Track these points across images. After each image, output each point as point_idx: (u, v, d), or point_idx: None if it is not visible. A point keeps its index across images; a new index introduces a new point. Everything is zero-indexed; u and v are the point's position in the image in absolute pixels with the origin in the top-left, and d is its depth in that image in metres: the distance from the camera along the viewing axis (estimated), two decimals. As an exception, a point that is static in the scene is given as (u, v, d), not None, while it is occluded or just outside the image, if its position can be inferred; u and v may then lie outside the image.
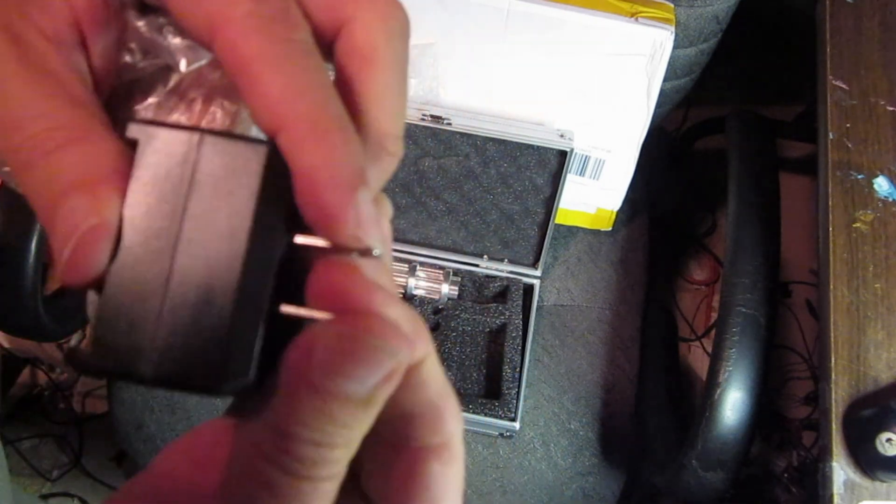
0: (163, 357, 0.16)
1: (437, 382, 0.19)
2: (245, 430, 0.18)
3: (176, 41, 0.20)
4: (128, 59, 0.20)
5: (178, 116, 0.20)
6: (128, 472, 1.26)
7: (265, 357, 0.18)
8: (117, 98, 0.20)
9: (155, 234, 0.17)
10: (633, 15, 0.70)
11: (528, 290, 0.85)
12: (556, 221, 0.83)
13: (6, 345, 1.28)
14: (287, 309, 0.18)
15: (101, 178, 0.17)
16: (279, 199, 0.17)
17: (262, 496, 0.16)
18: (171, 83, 0.20)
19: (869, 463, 0.53)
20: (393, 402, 0.18)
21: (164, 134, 0.17)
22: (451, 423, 0.19)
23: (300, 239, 0.18)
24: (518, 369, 0.79)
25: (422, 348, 0.18)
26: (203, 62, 0.20)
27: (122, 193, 0.17)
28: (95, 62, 0.19)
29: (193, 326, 0.16)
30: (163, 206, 0.17)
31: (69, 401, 1.35)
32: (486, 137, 0.76)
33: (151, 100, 0.20)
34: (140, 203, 0.17)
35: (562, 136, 0.75)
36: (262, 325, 0.18)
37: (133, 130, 0.17)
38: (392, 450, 0.19)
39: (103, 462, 1.27)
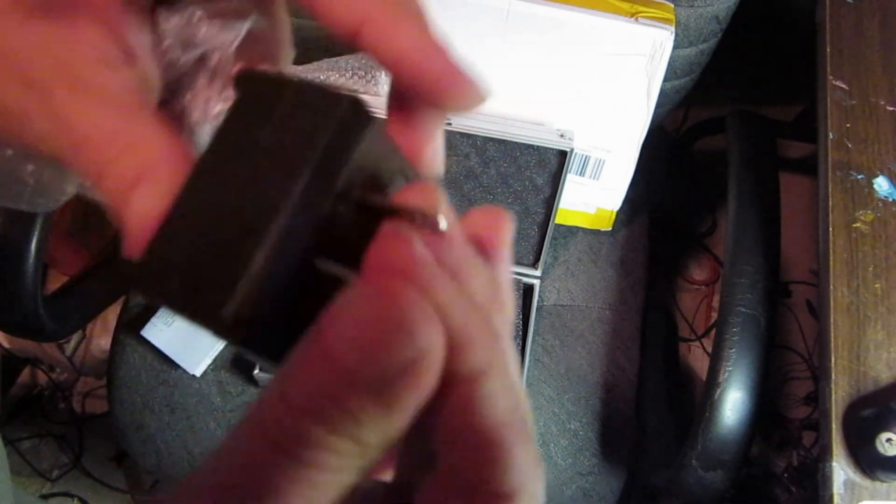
0: (184, 276, 0.16)
1: (502, 410, 0.15)
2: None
3: (207, 30, 0.21)
4: (170, 57, 0.21)
5: (217, 103, 0.21)
6: (128, 472, 1.27)
7: (294, 321, 0.16)
8: (170, 94, 0.21)
9: (221, 170, 0.17)
10: (633, 15, 0.70)
11: (528, 290, 0.85)
12: (556, 221, 0.83)
13: (6, 345, 1.28)
14: (323, 265, 0.17)
15: (151, 168, 0.18)
16: (347, 153, 0.17)
17: (249, 473, 0.14)
18: (209, 71, 0.21)
19: (869, 463, 0.53)
20: (442, 420, 0.15)
21: (256, 81, 0.18)
22: (521, 470, 0.15)
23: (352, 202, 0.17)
24: (518, 369, 0.78)
25: (479, 357, 0.15)
26: (236, 42, 0.21)
27: (176, 173, 0.18)
28: (144, 66, 0.20)
29: (218, 253, 0.16)
30: (237, 145, 0.17)
31: (69, 401, 1.35)
32: (486, 137, 0.76)
33: (196, 91, 0.21)
34: (220, 144, 0.18)
35: (562, 136, 0.75)
36: (290, 274, 0.16)
37: (235, 82, 0.18)
38: (450, 486, 0.16)
39: (103, 462, 1.27)
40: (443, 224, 0.16)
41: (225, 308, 0.15)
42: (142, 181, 0.18)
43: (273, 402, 0.14)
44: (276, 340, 0.16)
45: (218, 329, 0.16)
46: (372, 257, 0.15)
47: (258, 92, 0.18)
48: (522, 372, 0.79)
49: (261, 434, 0.14)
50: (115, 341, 0.86)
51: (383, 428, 0.14)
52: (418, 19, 0.18)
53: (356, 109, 0.17)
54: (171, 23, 0.21)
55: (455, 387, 0.15)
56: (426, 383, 0.14)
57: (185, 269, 0.16)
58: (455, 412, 0.15)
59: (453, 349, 0.15)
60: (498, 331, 0.17)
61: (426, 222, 0.16)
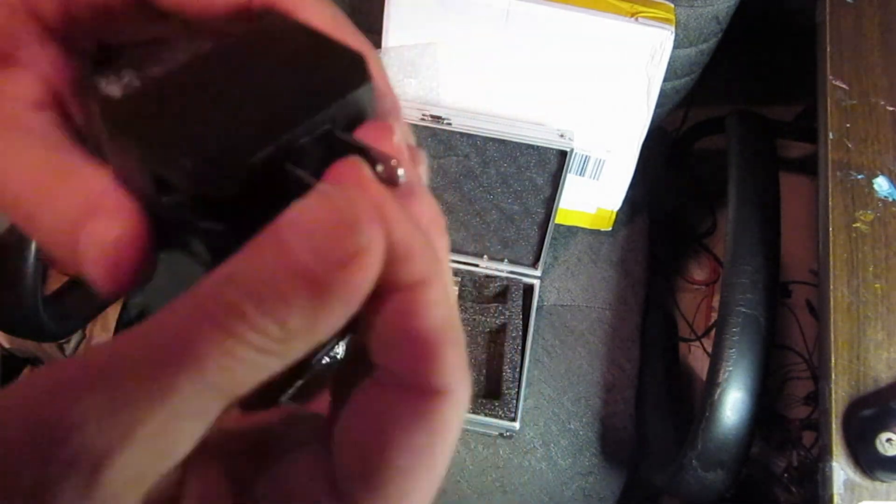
0: (162, 125, 0.17)
1: (440, 317, 0.16)
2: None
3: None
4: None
5: None
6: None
7: (257, 207, 0.17)
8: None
9: (221, 67, 0.18)
10: (633, 15, 0.70)
11: (528, 290, 0.85)
12: (556, 221, 0.83)
13: (6, 345, 1.28)
14: (291, 167, 0.17)
15: (101, 200, 0.18)
16: (338, 95, 0.18)
17: (176, 337, 0.14)
18: None
19: (869, 463, 0.53)
20: (384, 324, 0.16)
21: (276, 18, 0.19)
22: (453, 371, 0.16)
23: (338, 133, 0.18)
24: (518, 369, 0.79)
25: (422, 267, 0.16)
26: None
27: (125, 206, 0.18)
28: (77, 116, 0.20)
29: (200, 121, 0.17)
30: (238, 57, 0.18)
31: (69, 401, 1.34)
32: (486, 137, 0.76)
33: None
34: (226, 51, 0.18)
35: (562, 136, 0.75)
36: (261, 162, 0.17)
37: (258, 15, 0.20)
38: (386, 386, 0.17)
39: (103, 462, 1.27)
40: (399, 168, 0.17)
41: (195, 157, 0.16)
42: (92, 214, 0.17)
43: (216, 279, 0.15)
44: (227, 214, 0.17)
45: (180, 174, 0.16)
46: (332, 171, 0.16)
47: (274, 26, 0.19)
48: (523, 372, 0.79)
49: (196, 304, 0.15)
50: (115, 341, 0.86)
51: (312, 319, 0.15)
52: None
53: (358, 65, 0.18)
54: (100, 88, 0.21)
55: (399, 293, 0.16)
56: (360, 281, 0.15)
57: (165, 120, 0.17)
58: (397, 315, 0.16)
59: (398, 259, 0.16)
60: (439, 248, 0.17)
61: (384, 158, 0.17)
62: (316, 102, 0.17)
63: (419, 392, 0.16)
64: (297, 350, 0.15)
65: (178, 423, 0.14)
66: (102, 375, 0.14)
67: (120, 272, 0.17)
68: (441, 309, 0.16)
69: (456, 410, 0.16)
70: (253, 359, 0.15)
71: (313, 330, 0.15)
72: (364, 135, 0.18)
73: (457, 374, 0.16)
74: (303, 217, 0.15)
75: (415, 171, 0.19)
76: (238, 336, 0.14)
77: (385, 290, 0.16)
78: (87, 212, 0.17)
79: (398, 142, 0.18)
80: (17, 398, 0.14)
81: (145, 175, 0.17)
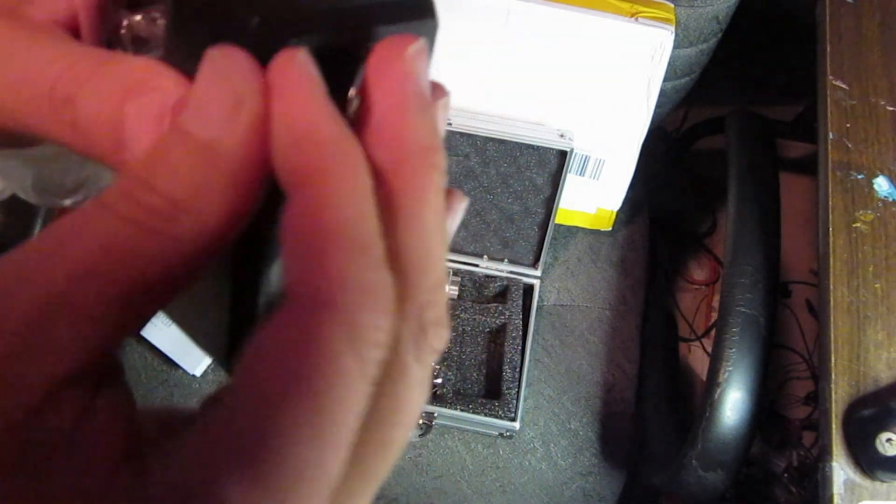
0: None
1: (333, 217, 0.14)
2: None
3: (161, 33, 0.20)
4: (117, 48, 0.21)
5: None
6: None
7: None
8: None
9: None
10: (633, 15, 0.70)
11: (528, 290, 0.85)
12: (556, 221, 0.83)
13: (6, 345, 1.28)
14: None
15: (147, 77, 0.16)
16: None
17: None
18: None
19: (869, 463, 0.53)
20: (282, 233, 0.14)
21: None
22: (338, 278, 0.14)
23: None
24: (518, 369, 0.79)
25: (316, 157, 0.14)
26: None
27: (177, 81, 0.16)
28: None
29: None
30: None
31: (69, 401, 1.34)
32: (486, 137, 0.76)
33: None
34: None
35: (562, 136, 0.75)
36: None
37: None
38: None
39: (103, 462, 1.27)
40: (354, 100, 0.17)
41: (261, 16, 0.15)
42: (138, 90, 0.16)
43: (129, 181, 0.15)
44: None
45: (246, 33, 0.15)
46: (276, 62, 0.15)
47: None
48: (523, 372, 0.79)
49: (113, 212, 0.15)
50: (115, 341, 0.86)
51: (195, 184, 0.14)
52: None
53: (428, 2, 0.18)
54: (135, 19, 0.21)
55: (296, 190, 0.15)
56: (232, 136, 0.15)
57: None
58: (289, 216, 0.14)
59: (290, 147, 0.15)
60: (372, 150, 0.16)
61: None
62: (382, 17, 0.17)
63: (297, 304, 0.14)
64: (187, 223, 0.14)
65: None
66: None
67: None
68: (336, 210, 0.14)
69: (340, 330, 0.13)
70: (143, 235, 0.14)
71: (197, 196, 0.14)
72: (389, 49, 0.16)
73: (345, 285, 0.13)
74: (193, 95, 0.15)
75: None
76: (128, 219, 0.14)
77: (288, 192, 0.14)
78: (132, 88, 0.16)
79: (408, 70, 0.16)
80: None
81: (204, 46, 0.15)
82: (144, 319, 0.15)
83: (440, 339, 0.16)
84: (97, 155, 0.16)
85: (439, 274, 0.16)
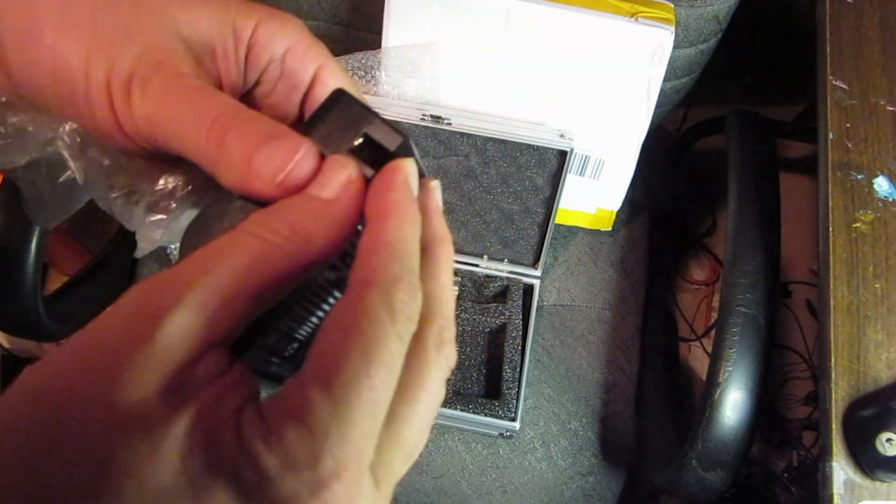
0: None
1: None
2: None
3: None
4: None
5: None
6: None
7: None
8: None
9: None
10: (633, 15, 0.70)
11: (528, 290, 0.85)
12: (556, 221, 0.83)
13: (6, 345, 1.28)
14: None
15: (284, 132, 0.24)
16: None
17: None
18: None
19: (869, 463, 0.53)
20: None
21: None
22: (376, 266, 0.21)
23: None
24: (518, 369, 0.79)
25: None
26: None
27: (306, 146, 0.24)
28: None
29: None
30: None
31: (69, 401, 1.34)
32: (486, 137, 0.76)
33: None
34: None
35: (562, 136, 0.75)
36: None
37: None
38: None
39: (103, 462, 1.27)
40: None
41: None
42: (273, 138, 0.24)
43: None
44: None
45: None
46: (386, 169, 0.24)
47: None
48: (523, 372, 0.79)
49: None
50: (115, 341, 0.86)
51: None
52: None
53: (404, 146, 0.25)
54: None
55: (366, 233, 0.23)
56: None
57: None
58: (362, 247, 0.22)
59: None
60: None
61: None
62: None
63: (353, 287, 0.21)
64: (302, 244, 0.22)
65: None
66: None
67: (294, 177, 0.23)
68: (392, 233, 0.22)
69: (379, 297, 0.20)
70: (274, 250, 0.21)
71: (316, 228, 0.22)
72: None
73: (385, 273, 0.21)
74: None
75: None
76: (264, 238, 0.22)
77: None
78: (269, 136, 0.23)
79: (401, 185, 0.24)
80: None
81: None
82: (263, 310, 0.22)
83: (452, 355, 0.23)
84: (226, 174, 0.24)
85: (451, 312, 0.24)
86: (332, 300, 0.26)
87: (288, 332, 0.26)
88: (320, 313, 0.26)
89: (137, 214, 0.27)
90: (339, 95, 0.25)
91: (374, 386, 0.19)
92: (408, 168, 0.24)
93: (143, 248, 0.27)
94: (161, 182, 0.26)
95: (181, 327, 0.19)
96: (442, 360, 0.22)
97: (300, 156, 0.23)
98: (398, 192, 0.23)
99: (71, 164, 0.25)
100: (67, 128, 0.25)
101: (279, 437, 0.19)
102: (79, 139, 0.25)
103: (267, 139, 0.23)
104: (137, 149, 0.25)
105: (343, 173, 0.23)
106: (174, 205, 0.27)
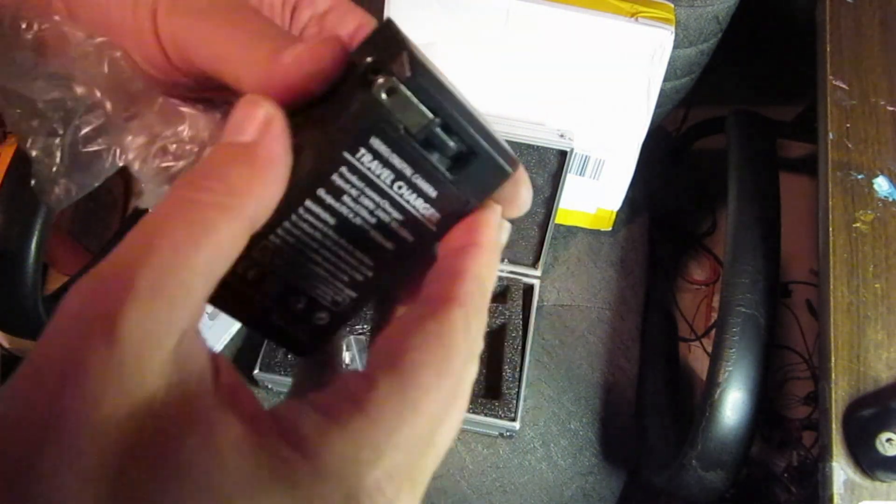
0: None
1: (478, 273, 0.24)
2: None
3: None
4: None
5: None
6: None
7: None
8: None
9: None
10: (633, 15, 0.70)
11: (528, 290, 0.85)
12: (556, 221, 0.83)
13: (6, 345, 1.27)
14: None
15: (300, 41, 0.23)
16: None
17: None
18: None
19: (869, 463, 0.53)
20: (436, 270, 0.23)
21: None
22: (469, 287, 0.23)
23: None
24: (518, 369, 0.79)
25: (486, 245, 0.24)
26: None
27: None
28: None
29: None
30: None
31: (69, 401, 1.34)
32: (486, 137, 0.76)
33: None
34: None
35: (562, 136, 0.75)
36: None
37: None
38: (404, 315, 0.23)
39: (103, 462, 1.27)
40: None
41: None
42: (294, 43, 0.22)
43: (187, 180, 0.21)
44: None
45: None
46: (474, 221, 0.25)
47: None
48: (523, 372, 0.79)
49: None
50: (115, 341, 0.86)
51: (245, 176, 0.21)
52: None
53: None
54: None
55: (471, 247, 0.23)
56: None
57: None
58: (453, 260, 0.23)
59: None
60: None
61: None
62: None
63: (437, 300, 0.22)
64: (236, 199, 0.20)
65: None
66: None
67: (297, 87, 0.22)
68: (479, 267, 0.23)
69: (461, 315, 0.21)
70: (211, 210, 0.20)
71: (244, 180, 0.20)
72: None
73: (471, 298, 0.22)
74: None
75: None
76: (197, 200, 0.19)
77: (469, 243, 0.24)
78: (287, 43, 0.22)
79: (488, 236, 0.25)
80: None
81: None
82: (215, 278, 0.20)
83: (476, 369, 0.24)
84: (250, 69, 0.23)
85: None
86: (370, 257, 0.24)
87: (316, 298, 0.24)
88: (358, 276, 0.24)
89: (150, 163, 0.25)
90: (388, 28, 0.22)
91: (440, 399, 0.20)
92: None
93: (149, 201, 0.26)
94: (181, 127, 0.26)
95: (141, 319, 0.17)
96: (470, 374, 0.23)
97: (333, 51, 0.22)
98: (496, 233, 0.24)
99: (98, 94, 0.25)
100: (106, 68, 0.25)
101: (341, 429, 0.18)
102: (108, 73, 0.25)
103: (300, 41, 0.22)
104: (178, 76, 0.25)
105: (259, 111, 0.21)
106: (196, 149, 0.26)
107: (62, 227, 1.20)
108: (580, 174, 0.82)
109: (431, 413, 0.20)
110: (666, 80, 0.74)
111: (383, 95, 0.20)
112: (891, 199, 0.63)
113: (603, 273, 0.90)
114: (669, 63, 0.72)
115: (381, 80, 0.20)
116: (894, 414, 0.53)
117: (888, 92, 0.68)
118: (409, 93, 0.20)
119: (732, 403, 0.61)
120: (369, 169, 0.22)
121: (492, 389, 0.80)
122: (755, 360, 0.62)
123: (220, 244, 0.19)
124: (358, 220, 0.23)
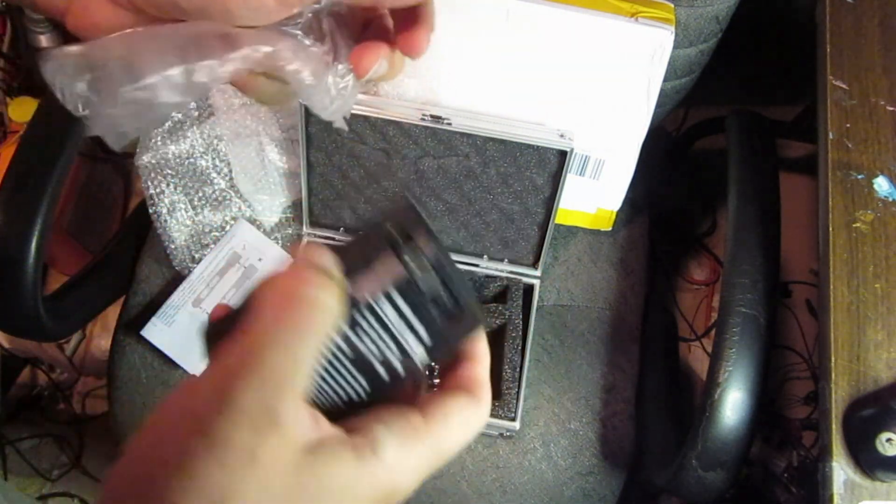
0: None
1: (482, 374, 0.36)
2: None
3: None
4: None
5: None
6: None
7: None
8: None
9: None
10: (633, 15, 0.70)
11: (528, 290, 0.85)
12: (556, 221, 0.83)
13: (6, 345, 1.28)
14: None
15: None
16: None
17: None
18: None
19: (869, 463, 0.53)
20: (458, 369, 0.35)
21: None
22: (486, 387, 0.36)
23: None
24: (518, 369, 0.79)
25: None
26: None
27: None
28: None
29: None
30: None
31: (69, 401, 1.35)
32: (486, 137, 0.76)
33: None
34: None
35: (562, 136, 0.75)
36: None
37: None
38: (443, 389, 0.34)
39: (103, 462, 1.27)
40: None
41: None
42: None
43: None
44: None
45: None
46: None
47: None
48: (523, 372, 0.79)
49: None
50: (115, 341, 0.86)
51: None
52: None
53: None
54: None
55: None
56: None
57: None
58: (467, 368, 0.35)
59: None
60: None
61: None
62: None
63: (471, 393, 0.32)
64: None
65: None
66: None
67: None
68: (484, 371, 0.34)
69: (486, 392, 0.33)
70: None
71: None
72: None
73: (485, 389, 0.33)
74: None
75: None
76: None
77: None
78: None
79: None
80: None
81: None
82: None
83: None
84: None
85: None
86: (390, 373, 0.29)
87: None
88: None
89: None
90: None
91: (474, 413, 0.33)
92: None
93: (338, 117, 0.34)
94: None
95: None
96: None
97: None
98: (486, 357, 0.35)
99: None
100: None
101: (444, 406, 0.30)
102: None
103: None
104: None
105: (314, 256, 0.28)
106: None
107: (62, 227, 1.20)
108: (580, 174, 0.82)
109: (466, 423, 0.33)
110: (666, 80, 0.74)
111: (410, 262, 0.27)
112: (891, 199, 0.63)
113: (603, 273, 0.90)
114: (669, 63, 0.72)
115: (408, 252, 0.27)
116: (894, 414, 0.53)
117: (888, 92, 0.68)
118: (428, 263, 0.27)
119: (732, 403, 0.61)
120: (385, 313, 0.28)
121: (492, 389, 0.79)
122: (755, 360, 0.62)
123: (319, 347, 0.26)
124: (365, 350, 0.28)
